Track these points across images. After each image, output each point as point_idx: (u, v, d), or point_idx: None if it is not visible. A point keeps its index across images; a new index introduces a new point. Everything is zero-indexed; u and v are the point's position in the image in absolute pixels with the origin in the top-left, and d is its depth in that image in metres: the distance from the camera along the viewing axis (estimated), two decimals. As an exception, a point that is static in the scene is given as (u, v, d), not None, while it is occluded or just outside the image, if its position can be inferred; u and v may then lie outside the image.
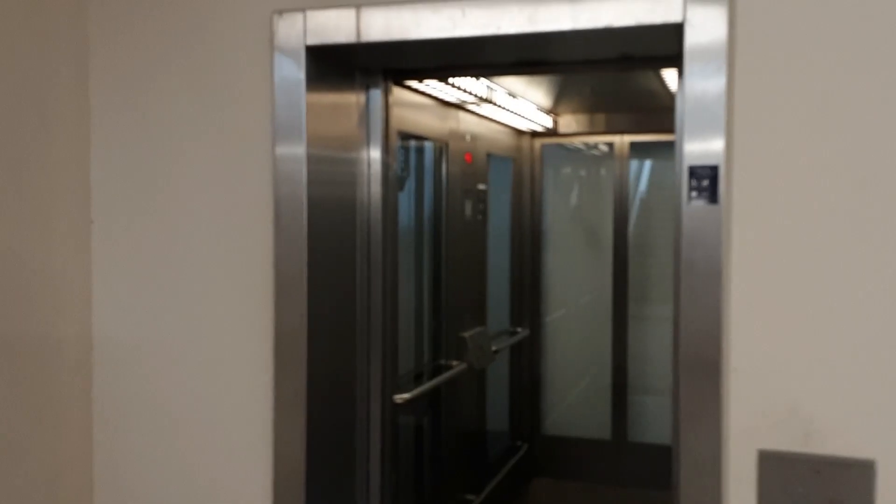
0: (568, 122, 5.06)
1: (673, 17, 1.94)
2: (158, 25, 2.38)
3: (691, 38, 1.93)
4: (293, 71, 2.25)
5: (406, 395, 2.90)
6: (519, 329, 5.00)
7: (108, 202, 2.45)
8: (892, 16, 1.83)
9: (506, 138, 4.75)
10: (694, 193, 1.92)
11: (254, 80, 2.30)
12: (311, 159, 2.28)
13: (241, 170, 2.34)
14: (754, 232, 1.93)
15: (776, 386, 1.92)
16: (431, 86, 3.20)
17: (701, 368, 1.96)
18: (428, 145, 3.71)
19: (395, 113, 2.75)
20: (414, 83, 3.03)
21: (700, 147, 1.93)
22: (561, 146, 5.32)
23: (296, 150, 2.26)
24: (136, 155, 2.43)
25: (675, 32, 1.96)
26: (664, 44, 2.10)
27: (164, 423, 2.45)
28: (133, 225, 2.44)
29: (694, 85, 1.93)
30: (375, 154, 2.60)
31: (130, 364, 2.46)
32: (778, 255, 1.91)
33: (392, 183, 2.71)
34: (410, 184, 3.61)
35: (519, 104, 4.19)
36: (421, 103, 3.34)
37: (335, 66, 2.40)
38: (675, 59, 2.01)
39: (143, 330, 2.45)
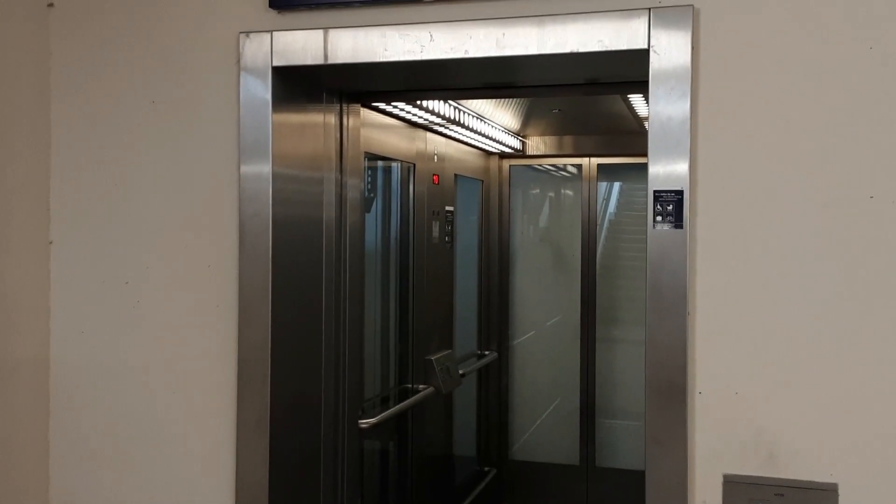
0: (536, 144, 5.09)
1: (638, 43, 1.96)
2: (123, 44, 2.36)
3: (655, 65, 1.95)
4: (260, 91, 2.24)
5: (372, 420, 2.87)
6: (486, 352, 4.98)
7: (67, 222, 2.41)
8: (853, 42, 1.86)
9: (474, 159, 4.76)
10: (658, 218, 1.93)
11: (220, 100, 2.28)
12: (277, 179, 2.26)
13: (206, 189, 2.31)
14: (718, 256, 1.94)
15: (741, 410, 1.93)
16: (399, 107, 3.20)
17: (667, 392, 1.96)
18: (395, 166, 3.70)
19: (362, 134, 2.74)
20: (381, 104, 3.03)
21: (664, 171, 1.94)
22: (529, 168, 5.34)
23: (261, 170, 2.24)
24: (98, 174, 2.39)
25: (640, 58, 1.97)
26: (631, 69, 2.12)
27: (122, 447, 2.40)
28: (93, 245, 2.40)
29: (658, 110, 1.94)
30: (342, 175, 2.59)
31: (89, 387, 2.41)
32: (742, 279, 1.93)
33: (359, 204, 2.70)
34: (377, 205, 3.60)
35: (487, 126, 4.21)
36: (388, 124, 3.33)
37: (302, 87, 2.39)
38: (643, 84, 2.02)
39: (103, 352, 2.40)
